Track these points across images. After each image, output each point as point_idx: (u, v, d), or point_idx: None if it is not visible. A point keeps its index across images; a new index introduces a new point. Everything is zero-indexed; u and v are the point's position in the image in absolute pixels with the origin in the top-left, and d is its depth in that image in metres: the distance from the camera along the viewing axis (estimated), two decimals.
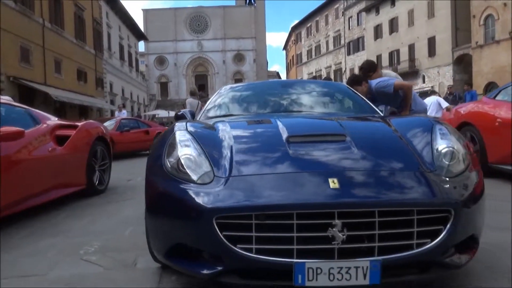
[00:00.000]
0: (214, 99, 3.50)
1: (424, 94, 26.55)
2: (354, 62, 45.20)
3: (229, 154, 1.92)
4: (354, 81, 4.00)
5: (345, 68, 47.18)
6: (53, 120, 4.31)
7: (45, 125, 3.97)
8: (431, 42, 33.05)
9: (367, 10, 41.48)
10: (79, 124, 4.54)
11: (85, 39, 29.44)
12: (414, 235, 1.64)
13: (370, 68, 4.08)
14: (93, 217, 3.58)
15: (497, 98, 5.00)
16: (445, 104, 7.33)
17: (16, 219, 3.42)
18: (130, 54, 43.61)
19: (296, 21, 60.87)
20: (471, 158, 2.04)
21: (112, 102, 34.21)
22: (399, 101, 3.97)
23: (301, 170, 1.77)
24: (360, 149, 1.91)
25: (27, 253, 2.62)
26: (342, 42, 47.41)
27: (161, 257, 1.92)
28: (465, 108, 5.49)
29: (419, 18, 34.18)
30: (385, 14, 38.77)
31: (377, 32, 40.31)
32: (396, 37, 37.45)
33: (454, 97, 12.65)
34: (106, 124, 12.81)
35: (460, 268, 1.76)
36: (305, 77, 57.87)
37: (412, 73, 35.17)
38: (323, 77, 33.54)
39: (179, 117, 3.40)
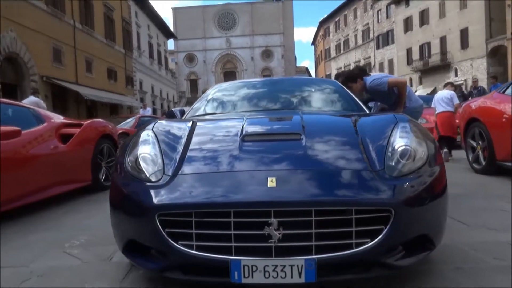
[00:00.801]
0: (204, 97, 3.57)
1: (459, 88, 25.64)
2: (383, 56, 44.22)
3: (182, 153, 1.98)
4: (349, 78, 3.95)
5: (374, 62, 46.21)
6: (58, 119, 4.50)
7: (48, 124, 4.16)
8: (464, 34, 31.83)
9: (397, 2, 40.40)
10: (84, 123, 4.73)
11: (115, 38, 30.27)
12: (353, 234, 1.65)
13: (348, 79, 3.94)
14: (89, 213, 3.73)
15: (506, 93, 4.80)
16: (456, 101, 7.02)
17: (14, 214, 3.62)
18: (159, 52, 44.46)
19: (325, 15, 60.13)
20: (434, 157, 2.01)
21: (142, 100, 35.05)
22: (394, 98, 3.90)
23: (244, 169, 1.80)
24: (310, 148, 1.92)
25: (15, 246, 2.78)
26: (371, 36, 46.42)
27: (121, 252, 2.01)
28: (475, 103, 5.30)
29: (451, 10, 32.98)
30: (415, 6, 37.64)
31: (407, 24, 39.21)
32: (427, 30, 36.31)
33: (478, 91, 12.16)
34: (127, 121, 13.23)
35: (401, 268, 1.74)
36: (334, 72, 57.09)
37: (444, 66, 34.05)
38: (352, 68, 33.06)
39: (170, 115, 3.49)
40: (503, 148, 4.57)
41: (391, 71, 43.03)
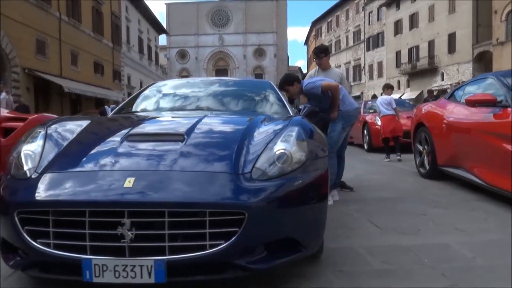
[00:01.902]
0: (136, 95, 3.59)
1: (443, 92, 25.86)
2: (373, 58, 44.39)
3: (61, 151, 2.00)
4: (286, 81, 3.99)
5: (364, 64, 46.40)
6: (2, 113, 4.48)
7: None
8: (451, 38, 32.06)
9: (388, 5, 40.56)
10: (29, 117, 4.70)
11: (103, 32, 30.06)
12: (207, 236, 1.68)
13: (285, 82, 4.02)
14: None
15: (450, 98, 4.87)
16: (394, 105, 7.37)
17: None
18: (149, 48, 44.22)
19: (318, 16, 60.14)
20: (314, 164, 2.05)
21: (130, 95, 34.87)
22: (329, 101, 3.94)
23: (107, 169, 1.83)
24: (183, 150, 1.95)
25: None
26: (362, 37, 46.59)
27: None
28: (424, 107, 5.37)
29: (440, 14, 33.18)
30: (406, 9, 37.82)
31: (397, 27, 39.40)
32: (416, 33, 36.52)
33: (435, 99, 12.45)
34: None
35: (259, 271, 1.77)
36: None
37: (431, 70, 34.27)
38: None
39: (101, 113, 3.51)
40: (443, 153, 4.64)
41: (380, 73, 43.22)
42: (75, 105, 25.18)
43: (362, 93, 46.16)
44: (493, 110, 3.67)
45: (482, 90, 4.15)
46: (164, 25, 63.02)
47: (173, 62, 67.46)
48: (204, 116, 2.50)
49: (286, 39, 70.54)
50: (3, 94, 10.20)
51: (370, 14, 44.54)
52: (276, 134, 2.11)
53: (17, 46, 18.66)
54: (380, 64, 43.06)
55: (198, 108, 3.12)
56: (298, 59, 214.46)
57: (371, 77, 44.81)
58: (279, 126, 2.24)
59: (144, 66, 41.30)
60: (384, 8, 41.54)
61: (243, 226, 1.68)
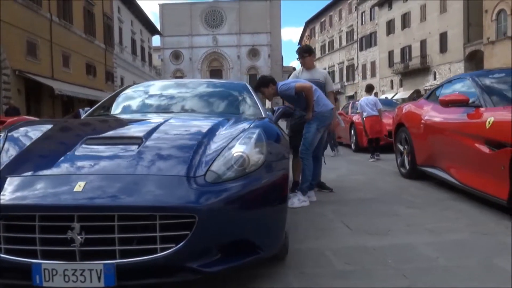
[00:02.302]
0: (108, 98, 3.59)
1: None
2: (366, 58, 44.52)
3: (17, 155, 1.99)
4: (261, 83, 4.00)
5: (357, 64, 46.53)
6: None
7: None
8: (443, 37, 32.23)
9: (380, 4, 40.71)
10: (8, 120, 4.69)
11: (95, 33, 29.94)
12: (157, 239, 1.68)
13: (260, 84, 4.03)
14: None
15: (429, 98, 4.90)
16: (379, 106, 7.52)
17: None
18: (142, 49, 44.10)
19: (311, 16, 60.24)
20: (272, 167, 2.05)
21: None
22: (305, 102, 3.96)
23: (60, 173, 1.83)
24: (139, 153, 1.95)
25: None
26: (355, 37, 46.72)
27: None
28: (405, 107, 5.40)
29: (431, 13, 33.36)
30: (398, 8, 37.99)
31: (390, 27, 39.56)
32: (408, 33, 36.69)
33: None
34: None
35: (211, 274, 1.78)
36: None
37: (424, 69, 34.43)
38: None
39: (75, 115, 3.51)
40: (421, 153, 4.67)
41: (373, 73, 43.36)
42: (67, 107, 25.07)
43: (356, 93, 46.29)
44: (466, 110, 3.70)
45: (458, 90, 4.17)
46: (158, 25, 62.96)
47: (167, 63, 67.34)
48: (169, 119, 2.50)
49: (280, 39, 70.62)
50: None
51: (363, 14, 44.69)
52: (236, 137, 2.12)
53: (7, 48, 18.53)
54: (373, 64, 43.21)
55: (167, 111, 3.13)
56: (293, 59, 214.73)
57: (364, 77, 44.94)
58: (242, 128, 2.25)
59: (137, 67, 41.19)
60: (376, 8, 41.71)
61: (193, 229, 1.69)
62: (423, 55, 34.61)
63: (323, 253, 2.54)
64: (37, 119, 5.43)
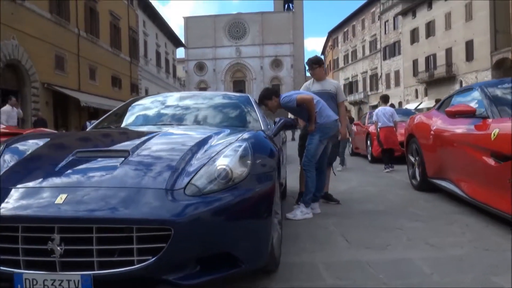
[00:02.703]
0: (113, 111, 3.70)
1: None
2: (390, 67, 43.95)
3: (10, 167, 2.07)
4: (265, 96, 4.01)
5: (381, 73, 45.96)
6: None
7: None
8: (469, 46, 31.50)
9: (404, 13, 40.25)
10: (25, 132, 4.87)
11: (120, 47, 30.81)
12: (134, 251, 1.71)
13: (264, 96, 4.02)
14: None
15: (440, 109, 4.79)
16: (396, 117, 7.48)
17: None
18: (167, 61, 45.03)
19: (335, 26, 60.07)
20: (256, 181, 2.06)
21: None
22: (308, 114, 3.95)
23: (44, 185, 1.89)
24: (124, 166, 2.00)
25: None
26: (378, 46, 46.25)
27: None
28: (416, 118, 5.29)
29: (457, 21, 32.70)
30: (422, 17, 37.44)
31: (414, 36, 38.99)
32: (433, 41, 36.05)
33: None
34: None
35: (189, 286, 1.78)
36: (342, 82, 56.90)
37: (449, 78, 33.67)
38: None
39: (83, 128, 3.63)
40: (431, 165, 4.56)
41: (397, 82, 42.71)
42: (93, 118, 25.78)
43: (379, 102, 45.62)
44: (473, 122, 3.60)
45: (467, 101, 4.07)
46: (183, 38, 64.22)
47: (191, 74, 68.49)
48: (162, 131, 2.55)
49: (303, 49, 70.72)
50: (7, 106, 10.53)
51: (386, 23, 44.23)
52: (223, 149, 2.14)
53: (36, 62, 19.32)
54: (397, 73, 42.58)
55: (166, 123, 3.18)
56: None
57: (388, 86, 44.32)
58: (230, 141, 2.27)
59: (161, 79, 42.04)
60: (400, 17, 41.23)
61: (169, 242, 1.71)
62: (449, 64, 33.89)
63: (316, 267, 2.50)
64: (52, 131, 5.62)
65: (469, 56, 31.67)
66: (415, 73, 38.69)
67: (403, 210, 4.06)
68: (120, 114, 3.56)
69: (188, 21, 68.47)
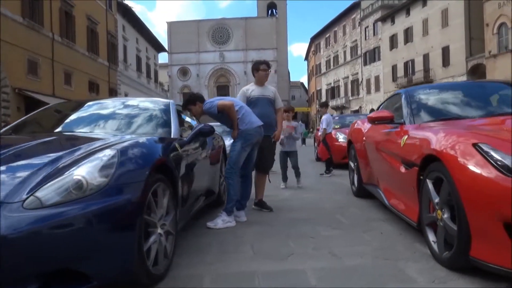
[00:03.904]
0: (24, 118, 3.57)
1: None
2: (370, 73, 44.40)
3: None
4: (189, 101, 3.93)
5: (362, 79, 46.39)
6: None
7: None
8: (445, 51, 32.03)
9: (383, 19, 40.77)
10: None
11: (98, 51, 30.47)
12: None
13: (188, 102, 3.92)
14: None
15: None
16: (331, 124, 7.77)
17: None
18: (148, 66, 44.71)
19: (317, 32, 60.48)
20: (119, 189, 1.97)
21: None
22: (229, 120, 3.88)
23: None
24: None
25: None
26: (359, 52, 46.72)
27: None
28: (355, 124, 5.27)
29: (433, 27, 33.25)
30: (401, 23, 37.96)
31: (393, 42, 39.50)
32: (411, 47, 36.56)
33: None
34: None
35: None
36: (324, 87, 57.26)
37: (427, 83, 34.07)
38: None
39: None
40: (364, 171, 4.52)
41: (377, 87, 43.15)
42: None
43: (360, 107, 46.04)
44: (393, 128, 3.57)
45: (395, 106, 4.04)
46: (166, 43, 63.95)
47: (174, 79, 68.14)
48: (38, 140, 2.44)
49: (286, 55, 71.04)
50: None
51: (366, 29, 44.74)
52: (85, 158, 2.05)
53: (7, 67, 18.94)
54: (377, 78, 43.04)
55: (63, 131, 3.08)
56: (304, 74, 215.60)
57: (368, 92, 44.74)
58: (101, 148, 2.17)
59: (142, 84, 41.70)
60: (379, 23, 41.75)
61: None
62: (426, 69, 34.39)
63: (201, 280, 2.41)
64: None
65: (446, 62, 32.19)
66: (394, 78, 39.16)
67: (330, 217, 4.00)
68: (24, 121, 3.43)
69: (172, 26, 68.19)
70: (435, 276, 2.32)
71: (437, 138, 2.52)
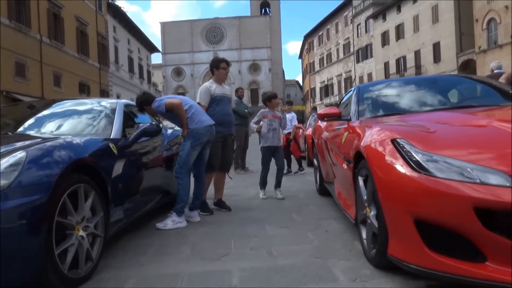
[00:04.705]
0: None
1: None
2: (363, 70, 44.40)
3: None
4: (144, 101, 3.88)
5: (355, 76, 46.38)
6: None
7: None
8: (436, 47, 32.05)
9: (375, 16, 40.76)
10: None
11: (88, 53, 30.34)
12: None
13: (142, 102, 3.87)
14: None
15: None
16: (295, 122, 7.65)
17: None
18: (140, 66, 44.61)
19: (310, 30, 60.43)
20: (24, 192, 1.93)
21: None
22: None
23: None
24: None
25: None
26: (352, 49, 46.70)
27: None
28: (318, 121, 5.22)
29: (424, 24, 33.27)
30: (392, 20, 37.97)
31: (384, 39, 39.50)
32: (403, 44, 36.57)
33: None
34: None
35: None
36: (318, 85, 57.22)
37: None
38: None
39: None
40: (323, 168, 4.48)
41: None
42: None
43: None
44: (341, 124, 3.53)
45: (348, 102, 4.00)
46: (160, 43, 63.85)
47: (169, 79, 68.06)
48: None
49: (280, 53, 71.02)
50: None
51: (359, 26, 44.71)
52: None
53: None
54: (370, 75, 43.04)
55: (5, 131, 3.03)
56: (299, 73, 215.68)
57: None
58: (12, 149, 2.12)
59: (135, 84, 41.57)
60: (371, 20, 41.73)
61: None
62: (418, 66, 34.41)
63: (125, 282, 2.36)
64: None
65: (437, 58, 32.21)
66: (387, 75, 39.15)
67: (284, 216, 3.95)
68: None
69: (165, 26, 68.09)
70: (358, 274, 2.28)
71: (365, 134, 2.48)
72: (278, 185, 5.03)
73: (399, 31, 37.00)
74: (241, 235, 3.32)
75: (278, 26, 70.01)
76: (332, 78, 52.52)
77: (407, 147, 2.06)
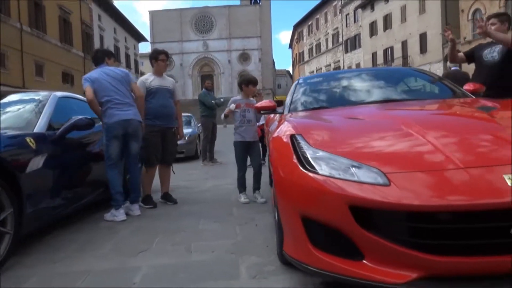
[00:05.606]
0: None
1: None
2: (351, 60, 44.36)
3: None
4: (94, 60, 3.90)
5: (343, 66, 46.34)
6: None
7: None
8: (423, 38, 32.05)
9: (363, 6, 40.61)
10: None
11: (72, 42, 29.92)
12: None
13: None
14: None
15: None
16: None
17: None
18: (127, 56, 44.13)
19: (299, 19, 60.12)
20: None
21: None
22: None
23: None
24: None
25: None
26: (340, 39, 46.58)
27: None
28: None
29: (411, 14, 33.20)
30: (380, 10, 37.85)
31: (372, 29, 39.42)
32: (390, 34, 36.52)
33: None
34: None
35: None
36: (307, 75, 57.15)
37: None
38: None
39: None
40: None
41: None
42: None
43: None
44: (278, 118, 3.48)
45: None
46: (148, 32, 63.14)
47: None
48: None
49: (270, 43, 70.55)
50: None
51: (347, 16, 44.55)
52: None
53: None
54: (358, 65, 42.98)
55: None
56: (289, 64, 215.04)
57: None
58: None
59: None
60: (359, 10, 41.59)
61: None
62: (405, 56, 34.43)
63: (26, 281, 2.31)
64: None
65: (423, 49, 32.24)
66: (374, 65, 39.13)
67: (224, 210, 3.92)
68: None
69: (154, 15, 67.20)
70: (261, 271, 2.26)
71: (275, 129, 2.44)
72: (257, 187, 4.32)
73: (387, 22, 36.93)
74: (171, 230, 3.28)
75: (268, 15, 69.45)
76: (321, 68, 52.43)
77: (302, 143, 2.03)
